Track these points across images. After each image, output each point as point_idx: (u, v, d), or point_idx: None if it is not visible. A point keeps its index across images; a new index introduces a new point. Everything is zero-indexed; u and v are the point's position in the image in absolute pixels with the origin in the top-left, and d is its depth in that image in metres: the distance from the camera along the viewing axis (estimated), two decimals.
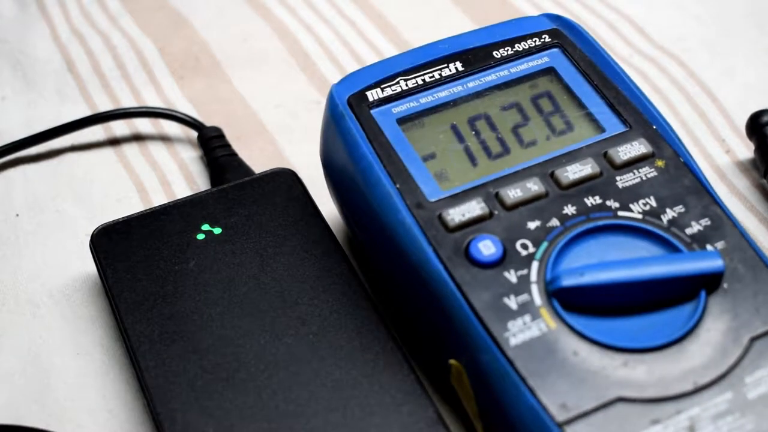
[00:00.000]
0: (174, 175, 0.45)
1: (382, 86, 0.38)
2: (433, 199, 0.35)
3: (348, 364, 0.34)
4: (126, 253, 0.38)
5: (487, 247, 0.33)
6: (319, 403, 0.33)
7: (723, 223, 0.34)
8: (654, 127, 0.37)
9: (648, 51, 0.50)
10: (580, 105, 0.38)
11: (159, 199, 0.44)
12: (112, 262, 0.38)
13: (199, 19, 0.53)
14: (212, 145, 0.44)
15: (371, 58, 0.50)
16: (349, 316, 0.36)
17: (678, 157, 0.36)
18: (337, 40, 0.51)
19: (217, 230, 0.39)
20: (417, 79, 0.38)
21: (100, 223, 0.39)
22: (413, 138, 0.37)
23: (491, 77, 0.38)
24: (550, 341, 0.32)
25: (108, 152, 0.46)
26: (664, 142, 0.36)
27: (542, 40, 0.39)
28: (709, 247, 0.34)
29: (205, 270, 0.37)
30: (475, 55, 0.39)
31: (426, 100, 0.38)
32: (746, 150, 0.45)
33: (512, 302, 0.32)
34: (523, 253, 0.33)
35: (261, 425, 0.33)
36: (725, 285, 0.33)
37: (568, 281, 0.32)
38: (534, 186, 0.35)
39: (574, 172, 0.35)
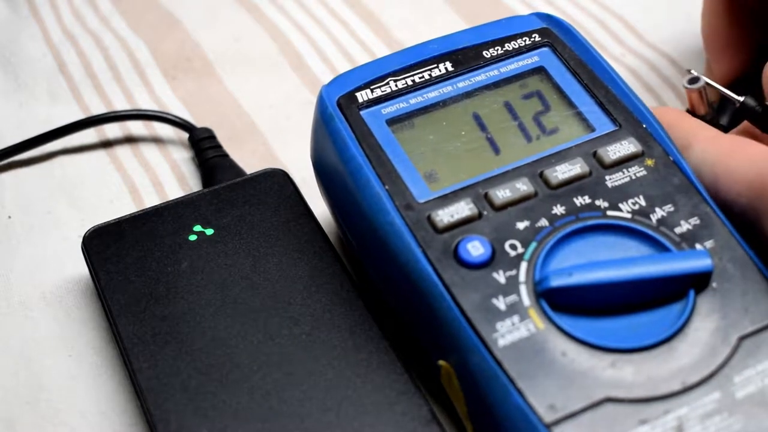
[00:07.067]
0: (166, 176, 0.45)
1: (371, 87, 0.38)
2: (422, 200, 0.35)
3: (341, 363, 0.34)
4: (118, 254, 0.38)
5: (475, 248, 0.33)
6: (312, 402, 0.33)
7: (712, 221, 0.34)
8: (644, 126, 0.36)
9: (639, 50, 0.50)
10: (570, 104, 0.38)
11: (151, 201, 0.44)
12: (104, 264, 0.38)
13: (190, 20, 0.53)
14: (203, 146, 0.44)
15: (363, 58, 0.50)
16: (341, 316, 0.36)
17: (668, 156, 0.36)
18: (328, 40, 0.51)
19: (209, 231, 0.39)
20: (407, 79, 0.38)
21: (93, 225, 0.39)
22: (403, 139, 0.37)
23: (481, 77, 0.38)
24: (539, 342, 0.32)
25: (100, 154, 0.46)
26: (653, 141, 0.36)
27: (532, 39, 0.39)
28: (698, 246, 0.34)
29: (198, 271, 0.37)
30: (464, 55, 0.39)
31: (416, 100, 0.38)
32: None
33: (501, 303, 0.32)
34: (512, 253, 0.33)
35: (255, 425, 0.33)
36: (714, 284, 0.33)
37: (556, 282, 0.32)
38: (523, 186, 0.35)
39: (563, 171, 0.35)
